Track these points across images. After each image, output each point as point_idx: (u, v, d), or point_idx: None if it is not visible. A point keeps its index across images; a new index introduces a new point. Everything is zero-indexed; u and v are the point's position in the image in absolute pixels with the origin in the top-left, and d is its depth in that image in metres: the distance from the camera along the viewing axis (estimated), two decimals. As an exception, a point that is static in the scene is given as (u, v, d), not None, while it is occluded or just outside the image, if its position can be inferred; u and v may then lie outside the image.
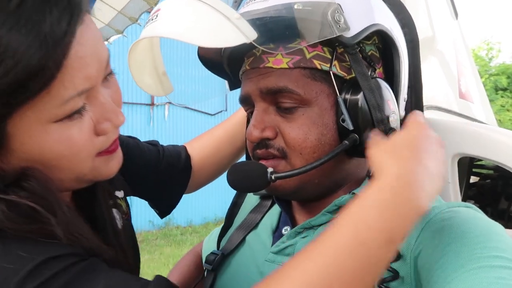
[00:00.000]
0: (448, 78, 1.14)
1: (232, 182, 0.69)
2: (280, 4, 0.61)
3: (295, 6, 0.59)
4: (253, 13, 0.62)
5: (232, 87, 0.83)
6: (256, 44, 0.56)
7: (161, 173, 0.91)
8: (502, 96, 13.30)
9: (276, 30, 0.60)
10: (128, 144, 0.89)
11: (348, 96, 0.64)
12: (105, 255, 0.58)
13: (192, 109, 8.21)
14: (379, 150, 0.55)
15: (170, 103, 7.86)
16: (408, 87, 0.79)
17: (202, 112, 8.34)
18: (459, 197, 0.88)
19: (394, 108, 0.67)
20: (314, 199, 0.72)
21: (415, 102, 0.82)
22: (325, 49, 0.65)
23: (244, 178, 0.68)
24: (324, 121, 0.65)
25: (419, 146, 0.53)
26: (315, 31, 0.59)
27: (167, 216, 0.98)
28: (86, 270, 0.52)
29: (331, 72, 0.64)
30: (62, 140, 0.53)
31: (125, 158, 0.86)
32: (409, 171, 0.50)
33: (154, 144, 0.96)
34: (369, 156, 0.55)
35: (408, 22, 0.78)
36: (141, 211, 7.48)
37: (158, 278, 0.57)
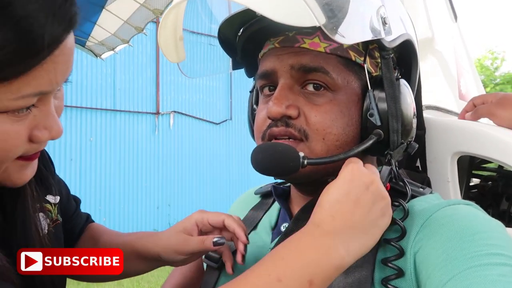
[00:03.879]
0: (448, 79, 1.14)
1: (260, 163, 0.65)
2: None
3: None
4: None
5: (235, 66, 0.82)
6: (325, 29, 0.52)
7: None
8: (507, 105, 13.22)
9: (331, 14, 0.55)
10: (61, 179, 0.89)
11: (376, 93, 0.65)
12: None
13: (197, 117, 8.24)
14: (326, 196, 0.57)
15: (175, 111, 7.90)
16: None
17: (207, 121, 8.37)
18: (459, 196, 0.88)
19: (415, 109, 0.68)
20: (318, 189, 0.72)
21: (415, 101, 0.83)
22: (360, 43, 0.66)
23: (276, 162, 0.63)
24: (350, 112, 0.65)
25: (353, 200, 0.55)
26: (369, 29, 0.59)
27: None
28: None
29: (365, 66, 0.65)
30: None
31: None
32: (332, 223, 0.54)
33: (76, 200, 0.94)
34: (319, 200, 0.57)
35: (406, 22, 0.80)
36: (145, 220, 7.49)
37: None
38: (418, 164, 0.90)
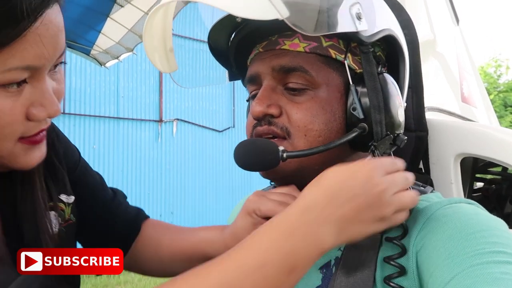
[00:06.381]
0: (450, 81, 1.14)
1: (241, 159, 0.67)
2: None
3: None
4: None
5: (232, 78, 0.84)
6: (288, 22, 0.53)
7: (107, 215, 0.85)
8: (511, 113, 13.22)
9: (301, 13, 0.57)
10: (88, 170, 0.85)
11: (359, 89, 0.66)
12: None
13: (200, 125, 8.26)
14: (326, 179, 0.54)
15: (178, 119, 7.92)
16: (409, 87, 0.80)
17: (210, 128, 8.39)
18: (462, 197, 0.88)
19: (400, 102, 0.68)
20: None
21: (416, 102, 0.83)
22: (340, 41, 0.67)
23: (255, 155, 0.65)
24: (333, 109, 0.66)
25: (353, 190, 0.52)
26: (339, 23, 0.59)
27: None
28: None
29: (346, 63, 0.66)
30: None
31: (77, 182, 0.80)
32: (326, 209, 0.51)
33: (114, 190, 0.91)
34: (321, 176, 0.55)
35: (408, 24, 0.81)
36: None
37: None
38: (421, 166, 0.90)
